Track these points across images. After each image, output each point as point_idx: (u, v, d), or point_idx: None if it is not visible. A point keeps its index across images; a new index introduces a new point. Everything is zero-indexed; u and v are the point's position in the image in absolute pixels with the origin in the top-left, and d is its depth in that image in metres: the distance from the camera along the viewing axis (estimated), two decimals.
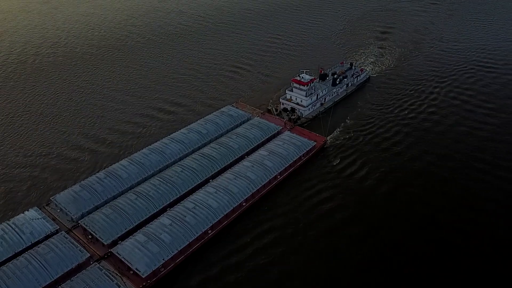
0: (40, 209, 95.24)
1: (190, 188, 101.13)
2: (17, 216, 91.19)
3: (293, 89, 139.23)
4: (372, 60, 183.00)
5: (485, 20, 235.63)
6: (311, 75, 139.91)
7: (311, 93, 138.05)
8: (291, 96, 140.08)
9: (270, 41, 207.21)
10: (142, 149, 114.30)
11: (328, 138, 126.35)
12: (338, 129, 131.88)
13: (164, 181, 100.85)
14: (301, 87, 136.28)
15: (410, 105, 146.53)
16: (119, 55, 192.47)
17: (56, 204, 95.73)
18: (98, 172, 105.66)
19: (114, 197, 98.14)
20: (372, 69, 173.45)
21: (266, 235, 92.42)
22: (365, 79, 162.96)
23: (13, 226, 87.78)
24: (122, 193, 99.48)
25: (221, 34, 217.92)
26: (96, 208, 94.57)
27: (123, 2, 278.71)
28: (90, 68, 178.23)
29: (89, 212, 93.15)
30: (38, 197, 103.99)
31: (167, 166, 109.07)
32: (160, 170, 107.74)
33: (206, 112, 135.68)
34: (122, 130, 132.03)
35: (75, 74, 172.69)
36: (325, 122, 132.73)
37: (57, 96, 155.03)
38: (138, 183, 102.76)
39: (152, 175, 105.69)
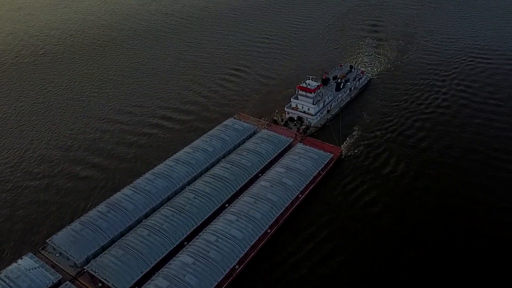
0: (35, 254, 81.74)
1: (207, 217, 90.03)
2: (9, 267, 77.73)
3: (299, 96, 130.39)
4: (368, 59, 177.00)
5: (469, 13, 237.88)
6: (317, 81, 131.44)
7: (318, 100, 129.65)
8: (296, 104, 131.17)
9: (261, 42, 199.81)
10: (145, 173, 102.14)
11: (343, 147, 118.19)
12: (350, 137, 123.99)
13: (176, 211, 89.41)
14: (308, 94, 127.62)
15: (422, 101, 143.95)
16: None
17: (54, 248, 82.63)
18: (98, 205, 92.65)
19: (122, 234, 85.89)
20: (371, 70, 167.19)
21: (298, 269, 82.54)
22: (366, 81, 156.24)
23: (7, 280, 74.35)
24: (131, 228, 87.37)
25: (206, 37, 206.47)
26: (103, 249, 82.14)
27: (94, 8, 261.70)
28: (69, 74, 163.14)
29: (95, 255, 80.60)
30: (28, 238, 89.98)
31: (176, 192, 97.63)
32: (169, 198, 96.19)
33: (208, 127, 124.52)
34: (113, 154, 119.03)
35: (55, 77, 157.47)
36: (336, 130, 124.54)
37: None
38: (147, 215, 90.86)
39: (161, 204, 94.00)
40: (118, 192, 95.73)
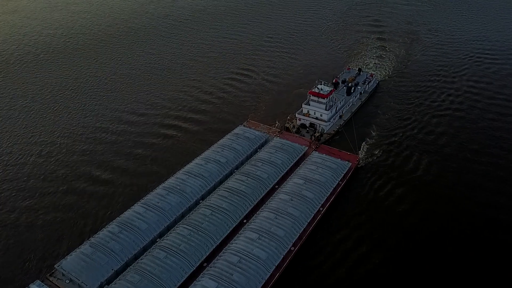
0: (43, 282, 75.36)
1: (226, 235, 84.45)
2: None
3: (311, 102, 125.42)
4: (375, 61, 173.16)
5: (468, 10, 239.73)
6: (329, 85, 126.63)
7: (331, 106, 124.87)
8: (308, 110, 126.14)
9: (263, 43, 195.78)
10: (156, 188, 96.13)
11: (360, 154, 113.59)
12: (365, 144, 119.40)
13: (193, 229, 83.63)
14: (320, 99, 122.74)
15: (436, 100, 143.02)
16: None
17: (63, 274, 76.24)
18: (108, 224, 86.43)
19: (136, 257, 79.85)
20: (378, 72, 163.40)
21: None
22: (375, 84, 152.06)
23: None
24: (145, 249, 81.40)
25: (206, 39, 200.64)
26: (117, 274, 76.06)
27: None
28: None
29: (109, 281, 74.59)
30: (33, 263, 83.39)
31: (190, 208, 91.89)
32: (183, 214, 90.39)
33: (217, 136, 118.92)
34: (116, 166, 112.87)
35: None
36: (350, 137, 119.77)
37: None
38: (161, 234, 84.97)
39: (175, 222, 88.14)
40: (129, 210, 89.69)
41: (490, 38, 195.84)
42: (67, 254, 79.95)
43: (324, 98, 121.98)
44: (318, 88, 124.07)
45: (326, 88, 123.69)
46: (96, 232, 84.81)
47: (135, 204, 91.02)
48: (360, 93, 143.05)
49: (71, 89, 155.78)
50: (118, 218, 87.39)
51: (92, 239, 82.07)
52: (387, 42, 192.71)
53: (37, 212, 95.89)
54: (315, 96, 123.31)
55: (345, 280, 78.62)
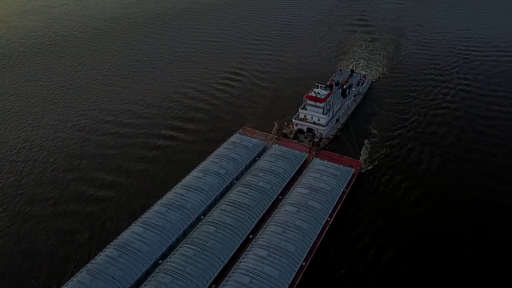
0: None
1: (233, 253, 79.73)
2: None
3: (307, 106, 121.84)
4: (365, 61, 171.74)
5: (450, 7, 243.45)
6: (326, 89, 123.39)
7: (328, 110, 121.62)
8: (305, 115, 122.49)
9: (251, 45, 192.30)
10: (154, 205, 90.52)
11: (361, 159, 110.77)
12: (365, 147, 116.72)
13: (198, 248, 78.58)
14: (318, 104, 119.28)
15: (432, 96, 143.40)
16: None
17: None
18: (106, 248, 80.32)
19: (139, 283, 74.30)
20: (371, 72, 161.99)
21: None
22: (368, 85, 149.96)
23: None
24: (148, 273, 75.88)
25: (189, 41, 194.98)
26: None
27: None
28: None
29: None
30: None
31: (192, 225, 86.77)
32: (185, 232, 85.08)
33: (213, 145, 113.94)
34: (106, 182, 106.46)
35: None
36: (350, 140, 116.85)
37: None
38: (164, 256, 79.54)
39: (178, 241, 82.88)
40: (127, 230, 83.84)
41: (474, 34, 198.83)
42: (63, 285, 73.37)
43: (321, 102, 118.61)
44: (314, 92, 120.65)
45: (323, 92, 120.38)
46: (93, 257, 78.45)
47: (133, 224, 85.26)
48: (355, 95, 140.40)
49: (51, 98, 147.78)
50: (115, 240, 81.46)
51: (89, 265, 75.99)
52: (375, 40, 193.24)
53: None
54: (312, 100, 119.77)
55: None
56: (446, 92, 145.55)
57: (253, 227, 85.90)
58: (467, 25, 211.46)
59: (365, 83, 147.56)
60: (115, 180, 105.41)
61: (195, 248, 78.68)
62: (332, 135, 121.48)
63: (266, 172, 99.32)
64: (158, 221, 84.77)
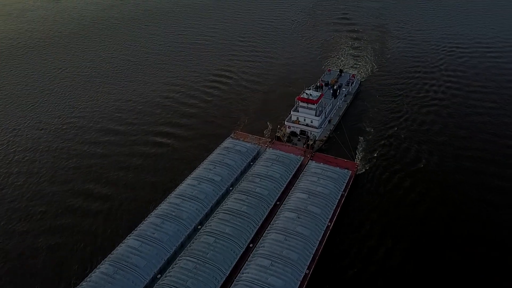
0: None
1: (234, 264, 77.12)
2: None
3: (300, 108, 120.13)
4: (353, 60, 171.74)
5: (430, 4, 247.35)
6: (318, 90, 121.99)
7: (321, 111, 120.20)
8: (297, 117, 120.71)
9: (236, 46, 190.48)
10: (148, 217, 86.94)
11: (357, 160, 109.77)
12: (359, 147, 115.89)
13: (198, 260, 75.73)
14: (310, 105, 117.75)
15: (423, 93, 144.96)
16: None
17: None
18: (100, 264, 76.49)
19: None
20: (359, 71, 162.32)
21: None
22: (358, 85, 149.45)
23: None
24: None
25: (172, 43, 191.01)
26: None
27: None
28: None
29: None
30: None
31: (190, 236, 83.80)
32: (183, 244, 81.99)
33: (205, 151, 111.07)
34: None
35: None
36: (344, 142, 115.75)
37: None
38: (162, 270, 76.38)
39: (176, 254, 79.74)
40: (122, 245, 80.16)
41: (456, 31, 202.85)
42: None
43: (314, 104, 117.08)
44: (306, 93, 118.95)
45: (315, 93, 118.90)
46: (87, 275, 74.51)
47: (128, 237, 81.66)
48: (345, 95, 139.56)
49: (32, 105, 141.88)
50: (110, 255, 77.75)
51: (84, 284, 72.14)
52: (360, 38, 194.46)
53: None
54: (304, 102, 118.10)
55: None
56: (436, 89, 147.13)
57: (253, 235, 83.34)
58: (449, 22, 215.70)
59: (354, 82, 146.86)
60: (105, 191, 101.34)
61: (195, 260, 75.77)
62: (325, 136, 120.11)
63: (263, 177, 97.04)
64: (154, 233, 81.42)
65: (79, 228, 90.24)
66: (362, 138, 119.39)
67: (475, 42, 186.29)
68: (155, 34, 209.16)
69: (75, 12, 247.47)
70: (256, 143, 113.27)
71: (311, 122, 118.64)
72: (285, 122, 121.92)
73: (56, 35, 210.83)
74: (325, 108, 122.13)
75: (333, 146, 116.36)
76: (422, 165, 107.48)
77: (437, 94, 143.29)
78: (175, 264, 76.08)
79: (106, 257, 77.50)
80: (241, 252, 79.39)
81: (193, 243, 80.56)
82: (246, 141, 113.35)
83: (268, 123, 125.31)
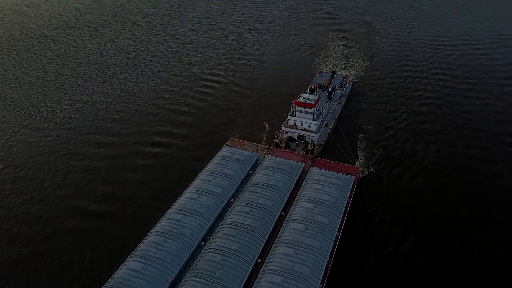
0: None
1: (244, 282, 73.11)
2: None
3: (296, 113, 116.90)
4: (343, 61, 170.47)
5: (411, 1, 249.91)
6: (314, 94, 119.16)
7: (318, 115, 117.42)
8: (294, 122, 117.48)
9: (224, 48, 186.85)
10: (148, 235, 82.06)
11: (358, 164, 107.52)
12: (360, 150, 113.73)
13: (206, 281, 71.42)
14: (307, 109, 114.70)
15: (417, 89, 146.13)
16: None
17: None
18: None
19: None
20: (351, 71, 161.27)
21: None
22: (351, 86, 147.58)
23: None
24: None
25: (155, 46, 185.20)
26: None
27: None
28: None
29: None
30: None
31: (194, 254, 79.22)
32: (187, 263, 77.41)
33: (201, 160, 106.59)
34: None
35: None
36: (343, 145, 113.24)
37: None
38: None
39: (180, 274, 75.21)
40: (122, 267, 75.07)
41: (440, 27, 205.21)
42: None
43: (311, 108, 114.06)
44: (303, 97, 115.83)
45: (312, 97, 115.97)
46: None
47: (128, 259, 76.54)
48: (339, 97, 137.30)
49: None
50: (110, 280, 72.65)
51: None
52: (347, 37, 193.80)
53: None
54: (301, 106, 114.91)
55: None
56: (427, 87, 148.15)
57: (260, 250, 79.49)
58: (432, 19, 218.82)
59: (347, 84, 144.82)
60: (98, 209, 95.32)
61: (203, 281, 71.43)
62: (323, 141, 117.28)
63: (265, 187, 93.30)
64: (156, 253, 76.57)
65: (70, 252, 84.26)
66: (360, 140, 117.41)
67: (461, 39, 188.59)
68: (136, 38, 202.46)
69: (49, 17, 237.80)
70: (254, 151, 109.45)
71: (309, 126, 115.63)
72: (282, 127, 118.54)
73: (26, 40, 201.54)
74: (322, 111, 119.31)
75: (332, 150, 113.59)
76: (426, 163, 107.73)
77: (430, 92, 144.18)
78: (182, 286, 71.53)
79: (106, 282, 72.19)
80: (250, 269, 75.41)
81: (198, 261, 76.17)
82: (244, 149, 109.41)
83: (266, 124, 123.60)
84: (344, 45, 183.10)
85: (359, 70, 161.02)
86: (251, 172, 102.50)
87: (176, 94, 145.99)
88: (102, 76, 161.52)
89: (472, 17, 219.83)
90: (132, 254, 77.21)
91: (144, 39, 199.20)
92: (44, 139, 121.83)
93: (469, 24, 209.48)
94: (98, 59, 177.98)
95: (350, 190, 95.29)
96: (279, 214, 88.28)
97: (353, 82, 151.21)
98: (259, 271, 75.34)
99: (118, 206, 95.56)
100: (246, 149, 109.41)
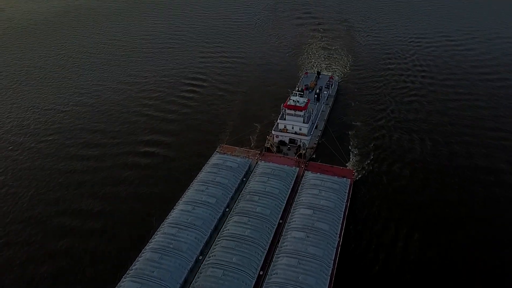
0: None
1: None
2: None
3: (286, 116, 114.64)
4: (325, 58, 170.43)
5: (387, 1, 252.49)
6: (304, 97, 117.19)
7: (309, 118, 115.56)
8: (285, 126, 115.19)
9: (204, 51, 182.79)
10: (143, 252, 77.78)
11: (352, 166, 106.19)
12: (352, 152, 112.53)
13: None
14: (298, 112, 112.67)
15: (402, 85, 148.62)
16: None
17: None
18: None
19: None
20: (335, 70, 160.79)
21: None
22: (337, 86, 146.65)
23: None
24: None
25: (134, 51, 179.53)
26: None
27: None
28: None
29: None
30: None
31: (193, 270, 75.54)
32: (186, 280, 73.72)
33: (192, 169, 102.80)
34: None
35: None
36: (335, 147, 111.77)
37: None
38: None
39: None
40: None
41: (418, 24, 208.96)
42: None
43: (301, 111, 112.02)
44: (293, 100, 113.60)
45: (302, 100, 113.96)
46: None
47: (123, 279, 72.22)
48: (326, 98, 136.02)
49: None
50: None
51: None
52: (328, 36, 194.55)
53: None
54: (291, 109, 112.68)
55: None
56: (412, 79, 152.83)
57: (262, 262, 76.63)
58: (409, 16, 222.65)
59: (333, 84, 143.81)
60: (87, 226, 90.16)
61: None
62: (315, 143, 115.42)
63: (261, 195, 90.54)
64: (153, 272, 72.57)
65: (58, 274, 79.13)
66: (351, 140, 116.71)
67: (440, 36, 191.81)
68: (113, 38, 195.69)
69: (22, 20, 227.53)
70: (246, 156, 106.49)
71: (300, 129, 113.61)
72: (272, 131, 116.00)
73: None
74: (312, 114, 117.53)
75: (324, 153, 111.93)
76: (418, 159, 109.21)
77: (414, 84, 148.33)
78: None
79: None
80: (253, 283, 72.44)
81: (198, 278, 72.66)
82: (235, 155, 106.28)
83: (256, 125, 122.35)
84: (326, 44, 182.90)
85: (344, 68, 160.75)
86: (244, 179, 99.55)
87: (159, 101, 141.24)
88: (78, 85, 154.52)
89: (449, 13, 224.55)
90: (127, 274, 72.95)
91: (117, 43, 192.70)
92: (19, 152, 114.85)
93: (445, 20, 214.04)
94: (75, 64, 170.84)
95: (347, 194, 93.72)
96: (277, 222, 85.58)
97: (339, 82, 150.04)
98: (262, 284, 72.46)
99: (105, 221, 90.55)
100: (238, 155, 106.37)
